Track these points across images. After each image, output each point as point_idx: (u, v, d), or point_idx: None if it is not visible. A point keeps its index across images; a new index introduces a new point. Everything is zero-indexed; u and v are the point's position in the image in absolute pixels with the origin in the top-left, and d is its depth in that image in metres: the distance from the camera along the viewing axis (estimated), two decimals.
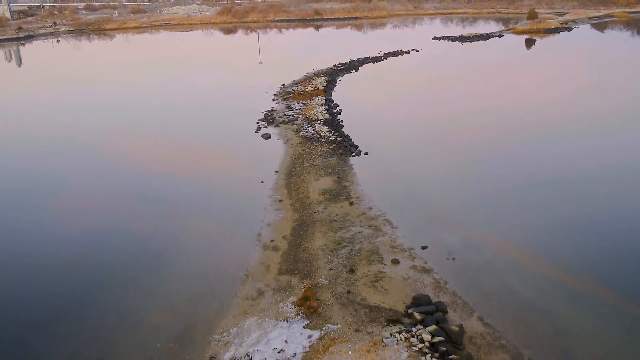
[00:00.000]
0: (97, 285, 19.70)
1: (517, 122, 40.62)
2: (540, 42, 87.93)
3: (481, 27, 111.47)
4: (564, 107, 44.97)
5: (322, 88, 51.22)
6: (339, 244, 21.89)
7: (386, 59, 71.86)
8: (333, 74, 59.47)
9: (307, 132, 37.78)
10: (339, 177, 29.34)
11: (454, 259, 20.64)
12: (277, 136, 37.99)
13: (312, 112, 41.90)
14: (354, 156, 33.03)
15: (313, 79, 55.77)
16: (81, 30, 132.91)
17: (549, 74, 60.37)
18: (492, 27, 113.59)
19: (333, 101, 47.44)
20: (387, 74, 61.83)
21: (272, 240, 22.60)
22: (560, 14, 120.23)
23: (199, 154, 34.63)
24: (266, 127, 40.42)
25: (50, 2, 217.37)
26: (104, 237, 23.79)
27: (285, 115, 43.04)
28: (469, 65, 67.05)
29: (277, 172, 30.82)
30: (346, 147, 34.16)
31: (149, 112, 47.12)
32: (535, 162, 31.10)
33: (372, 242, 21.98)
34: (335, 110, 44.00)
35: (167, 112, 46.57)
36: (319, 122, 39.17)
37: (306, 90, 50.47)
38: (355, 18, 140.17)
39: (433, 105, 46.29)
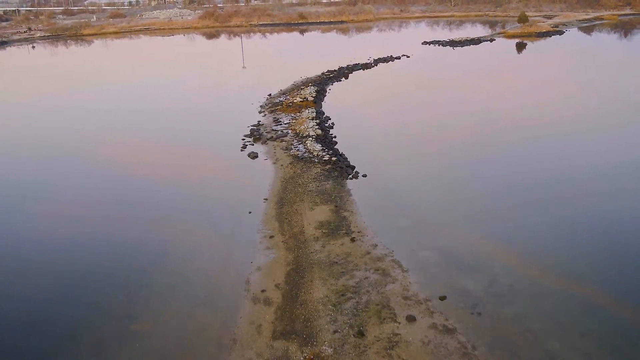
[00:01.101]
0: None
1: (529, 133, 37.72)
2: (533, 46, 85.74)
3: (471, 31, 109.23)
4: (576, 116, 42.26)
5: (312, 99, 47.95)
6: (342, 295, 18.60)
7: (376, 65, 68.87)
8: (322, 83, 56.26)
9: (298, 150, 34.45)
10: (336, 206, 26.07)
11: (479, 313, 17.45)
12: (265, 155, 34.62)
13: (302, 127, 38.59)
14: (351, 179, 29.83)
15: (301, 89, 52.47)
16: (57, 36, 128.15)
17: (548, 78, 57.79)
18: (482, 30, 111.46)
19: (324, 113, 44.20)
20: (379, 82, 58.77)
21: (263, 291, 19.22)
22: (549, 17, 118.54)
23: (178, 179, 31.07)
24: (253, 145, 37.04)
25: (27, 7, 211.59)
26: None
27: (273, 130, 39.68)
28: (463, 71, 64.34)
29: (266, 199, 27.45)
30: (342, 168, 30.91)
31: (117, 127, 43.37)
32: (562, 189, 28.14)
33: (381, 291, 18.73)
34: (327, 124, 40.77)
35: (141, 129, 42.92)
36: (311, 139, 35.87)
37: (295, 101, 47.15)
38: (341, 22, 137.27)
39: (431, 116, 43.27)
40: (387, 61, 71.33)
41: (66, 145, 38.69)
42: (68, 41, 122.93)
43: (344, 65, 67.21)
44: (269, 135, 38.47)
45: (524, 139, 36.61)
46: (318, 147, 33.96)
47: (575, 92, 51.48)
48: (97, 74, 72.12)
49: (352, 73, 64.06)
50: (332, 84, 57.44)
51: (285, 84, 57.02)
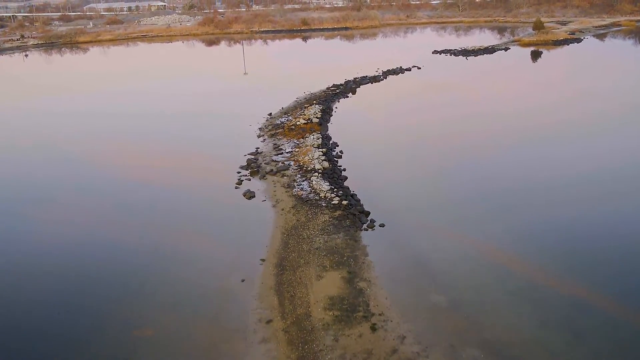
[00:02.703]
0: None
1: (585, 183, 32.55)
2: (552, 55, 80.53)
3: (481, 38, 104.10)
4: (608, 135, 37.11)
5: (317, 120, 42.90)
6: None
7: (385, 78, 63.82)
8: (327, 100, 51.21)
9: (302, 189, 29.39)
10: (350, 272, 21.00)
11: None
12: (263, 194, 29.55)
13: (306, 158, 33.53)
14: (366, 229, 24.74)
15: (305, 107, 47.45)
16: (51, 44, 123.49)
17: (581, 97, 52.53)
18: (493, 37, 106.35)
19: (331, 139, 39.15)
20: (390, 98, 53.65)
21: None
22: (564, 23, 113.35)
23: (159, 235, 25.97)
24: (250, 179, 32.02)
25: (24, 12, 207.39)
26: None
27: (273, 161, 34.62)
28: (481, 86, 59.15)
29: (263, 260, 22.40)
30: (354, 215, 25.80)
31: (96, 165, 38.39)
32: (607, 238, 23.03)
33: None
34: (334, 153, 35.72)
35: (120, 158, 37.89)
36: (317, 174, 30.80)
37: (298, 123, 42.11)
38: (345, 28, 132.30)
39: (452, 143, 38.05)
40: (397, 73, 66.27)
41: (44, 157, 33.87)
42: (62, 49, 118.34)
43: (351, 78, 62.21)
44: (268, 168, 33.41)
45: (581, 191, 31.47)
46: (325, 186, 28.86)
47: (612, 111, 46.26)
48: (82, 87, 67.23)
49: (359, 87, 59.02)
50: (338, 101, 52.38)
51: (288, 101, 52.07)
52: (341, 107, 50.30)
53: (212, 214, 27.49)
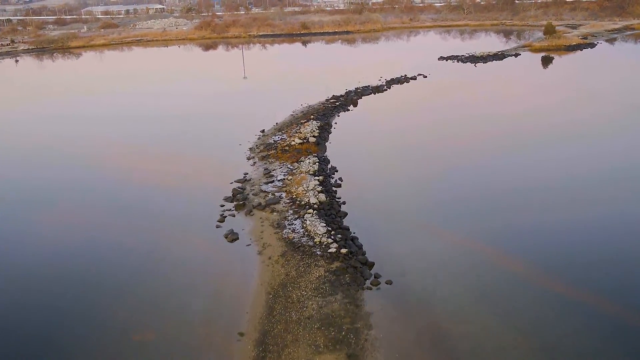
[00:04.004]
0: None
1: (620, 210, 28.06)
2: (566, 62, 75.99)
3: (488, 42, 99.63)
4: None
5: (314, 140, 38.49)
6: None
7: (389, 88, 59.36)
8: (326, 114, 46.79)
9: (294, 230, 24.95)
10: (349, 355, 16.52)
11: None
12: (248, 236, 25.12)
13: (300, 189, 29.08)
14: (369, 288, 20.28)
15: (301, 124, 43.02)
16: (42, 49, 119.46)
17: (612, 110, 47.93)
18: (501, 42, 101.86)
19: (329, 162, 34.76)
20: (395, 112, 49.16)
21: None
22: (574, 27, 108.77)
23: (108, 297, 21.53)
24: (234, 215, 27.59)
25: (20, 16, 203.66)
26: None
27: (262, 191, 30.16)
28: (496, 98, 54.54)
29: (242, 335, 17.93)
30: (355, 268, 21.34)
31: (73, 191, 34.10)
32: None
33: None
34: (332, 181, 31.32)
35: (93, 192, 33.53)
36: (311, 211, 26.33)
37: (292, 143, 37.69)
38: (347, 32, 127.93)
39: (477, 171, 33.41)
40: (402, 82, 61.83)
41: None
42: (54, 54, 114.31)
43: (352, 88, 57.83)
44: (256, 201, 28.95)
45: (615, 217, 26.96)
46: (321, 227, 24.36)
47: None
48: (60, 95, 62.95)
49: (361, 98, 54.61)
50: (338, 115, 47.95)
51: (283, 114, 47.75)
52: (341, 122, 45.86)
53: (185, 264, 23.02)
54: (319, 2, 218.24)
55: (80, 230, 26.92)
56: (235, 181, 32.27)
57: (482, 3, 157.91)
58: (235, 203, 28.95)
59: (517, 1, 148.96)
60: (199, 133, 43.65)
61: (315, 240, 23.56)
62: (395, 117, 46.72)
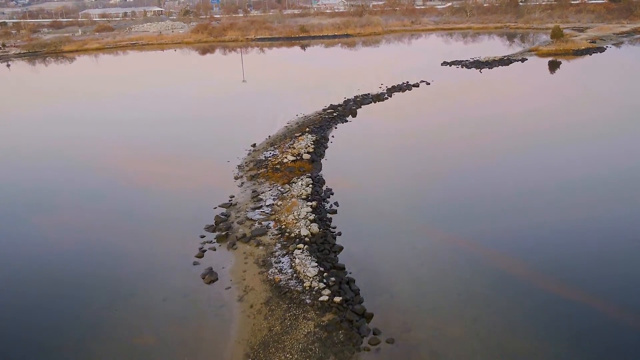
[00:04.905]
0: None
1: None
2: (575, 67, 72.70)
3: (494, 47, 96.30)
4: None
5: (308, 157, 35.27)
6: None
7: (390, 96, 56.15)
8: (323, 126, 43.57)
9: (282, 269, 21.75)
10: None
11: None
12: (228, 277, 21.91)
13: (290, 218, 25.87)
14: (366, 350, 17.06)
15: (295, 137, 39.81)
16: (35, 53, 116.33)
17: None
18: (506, 46, 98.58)
19: (324, 183, 31.60)
20: (397, 124, 45.96)
21: None
22: (581, 29, 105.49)
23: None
24: (215, 249, 24.44)
25: (16, 19, 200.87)
26: None
27: (248, 219, 26.95)
28: (505, 107, 51.22)
29: None
30: (351, 322, 18.10)
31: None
32: None
33: None
34: (327, 206, 28.10)
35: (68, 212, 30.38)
36: (301, 246, 23.11)
37: (285, 161, 34.47)
38: (346, 35, 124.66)
39: (493, 195, 30.21)
40: (404, 90, 58.61)
41: None
42: (47, 58, 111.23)
43: (351, 96, 54.61)
44: (241, 231, 25.73)
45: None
46: (312, 268, 21.12)
47: None
48: (47, 107, 59.80)
49: (360, 108, 51.40)
50: (335, 127, 44.74)
51: (277, 126, 44.64)
52: (339, 135, 42.63)
53: (152, 314, 19.74)
54: (318, 5, 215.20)
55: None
56: (219, 206, 29.09)
57: (485, 5, 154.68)
58: (217, 233, 25.75)
59: (521, 3, 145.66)
60: (186, 147, 40.46)
61: (304, 284, 20.32)
62: (397, 130, 43.50)
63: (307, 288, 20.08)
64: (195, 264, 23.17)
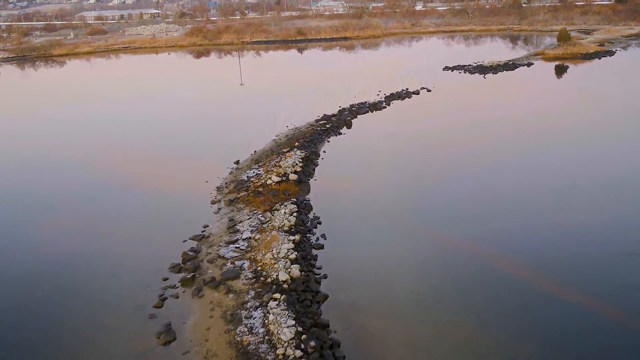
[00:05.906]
0: None
1: None
2: (585, 72, 68.85)
3: (497, 50, 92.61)
4: None
5: (295, 177, 31.58)
6: None
7: (389, 104, 52.46)
8: (314, 140, 39.90)
9: (252, 327, 18.06)
10: None
11: None
12: (188, 337, 18.18)
13: (268, 257, 22.15)
14: None
15: (283, 153, 36.10)
16: (23, 57, 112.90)
17: None
18: (510, 49, 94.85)
19: (312, 210, 27.93)
20: (396, 136, 42.25)
21: None
22: (587, 32, 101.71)
23: None
24: (178, 296, 20.74)
25: (10, 21, 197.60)
26: None
27: (220, 257, 23.25)
28: (514, 118, 47.37)
29: None
30: None
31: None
32: None
33: None
34: (313, 241, 24.40)
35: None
36: (278, 297, 19.36)
37: (269, 182, 30.78)
38: (345, 38, 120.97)
39: (503, 226, 26.51)
40: (403, 98, 54.90)
41: None
42: (36, 62, 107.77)
43: (347, 105, 50.96)
44: (210, 272, 22.03)
45: None
46: (287, 331, 17.35)
47: None
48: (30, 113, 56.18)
49: (356, 118, 47.73)
50: (328, 140, 41.03)
51: (264, 140, 41.08)
52: (331, 150, 38.93)
53: None
54: (317, 7, 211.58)
55: None
56: (190, 238, 25.39)
57: (488, 7, 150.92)
58: (183, 275, 22.04)
59: (524, 4, 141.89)
60: (163, 163, 36.81)
61: (277, 351, 16.57)
62: (394, 146, 39.69)
63: (280, 356, 16.32)
64: (152, 316, 19.45)
